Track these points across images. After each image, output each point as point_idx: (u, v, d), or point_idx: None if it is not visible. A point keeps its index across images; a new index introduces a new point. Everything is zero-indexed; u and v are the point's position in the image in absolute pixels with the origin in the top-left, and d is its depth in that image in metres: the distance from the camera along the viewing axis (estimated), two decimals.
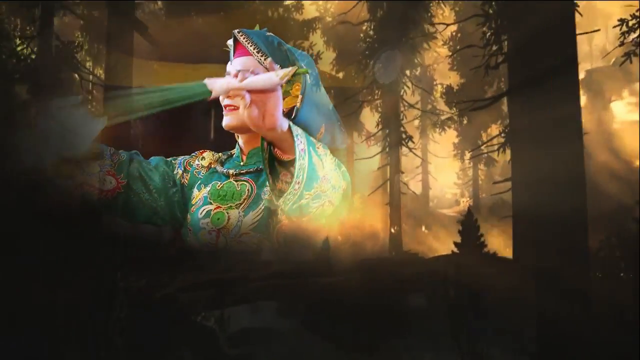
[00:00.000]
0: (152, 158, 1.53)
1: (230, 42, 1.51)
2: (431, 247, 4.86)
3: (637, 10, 3.71)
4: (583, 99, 4.86)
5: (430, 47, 5.27)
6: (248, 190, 1.45)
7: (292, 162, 1.15)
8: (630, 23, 3.74)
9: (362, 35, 5.20)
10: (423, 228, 5.85)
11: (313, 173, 1.17)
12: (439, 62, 6.29)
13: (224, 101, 1.40)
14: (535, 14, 3.21)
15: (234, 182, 1.48)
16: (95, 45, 5.37)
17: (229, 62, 1.51)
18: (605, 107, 6.64)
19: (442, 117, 5.60)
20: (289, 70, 1.09)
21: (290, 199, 1.20)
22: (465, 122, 5.40)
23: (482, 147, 4.96)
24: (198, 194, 1.51)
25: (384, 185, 4.86)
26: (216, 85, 1.16)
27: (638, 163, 5.13)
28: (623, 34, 3.76)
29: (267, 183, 1.28)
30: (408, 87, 5.01)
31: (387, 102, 5.00)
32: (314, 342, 2.05)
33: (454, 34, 5.44)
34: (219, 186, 1.50)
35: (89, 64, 5.58)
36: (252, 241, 1.39)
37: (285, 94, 1.37)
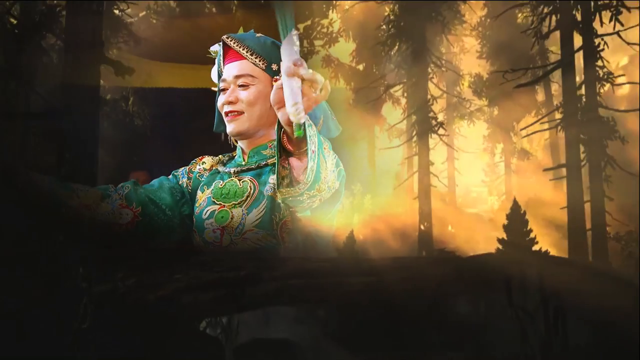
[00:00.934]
0: (152, 181, 1.56)
1: (214, 47, 1.54)
2: (459, 247, 4.50)
3: None
4: None
5: (461, 23, 4.88)
6: (250, 188, 1.45)
7: (293, 152, 1.18)
8: None
9: (386, 14, 4.83)
10: (450, 227, 5.48)
11: (318, 175, 1.19)
12: (465, 52, 5.92)
13: (225, 108, 1.43)
14: None
15: (236, 180, 1.49)
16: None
17: (215, 68, 1.54)
18: None
19: (471, 109, 5.22)
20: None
21: (289, 193, 1.22)
22: (495, 112, 5.02)
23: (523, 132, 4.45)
24: (202, 196, 1.52)
25: (408, 179, 4.53)
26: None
27: None
28: None
29: (273, 170, 1.32)
30: (438, 67, 4.61)
31: (413, 88, 4.64)
32: (340, 357, 1.69)
33: (483, 18, 5.07)
34: (221, 185, 1.50)
35: None
36: (256, 237, 1.40)
37: None
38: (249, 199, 1.44)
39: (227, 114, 1.43)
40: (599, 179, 3.70)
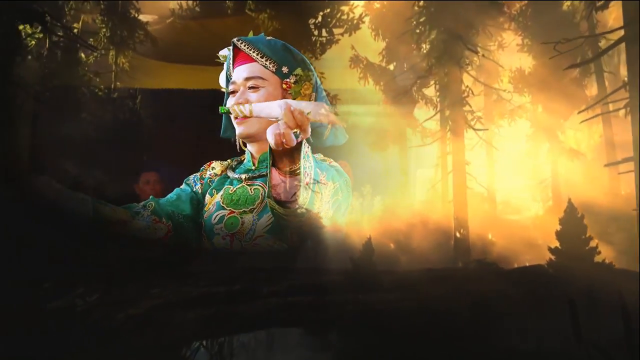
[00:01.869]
0: (168, 195, 1.58)
1: (223, 52, 1.57)
2: (502, 257, 4.06)
3: None
4: None
5: (500, 15, 4.50)
6: (262, 195, 1.45)
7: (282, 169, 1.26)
8: None
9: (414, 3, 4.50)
10: (490, 236, 5.04)
11: (311, 206, 1.26)
12: (504, 46, 5.50)
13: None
14: None
15: (247, 186, 1.50)
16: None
17: (223, 72, 1.56)
18: None
19: (511, 106, 4.81)
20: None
21: (274, 207, 1.27)
22: (540, 110, 4.60)
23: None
24: (211, 200, 1.53)
25: (441, 181, 4.17)
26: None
27: None
28: None
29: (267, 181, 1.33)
30: (472, 52, 4.22)
31: (446, 79, 4.29)
32: None
33: (523, 7, 4.68)
34: (231, 191, 1.52)
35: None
36: (267, 243, 1.40)
37: (296, 94, 1.47)
38: (259, 205, 1.44)
39: (236, 116, 1.44)
40: None
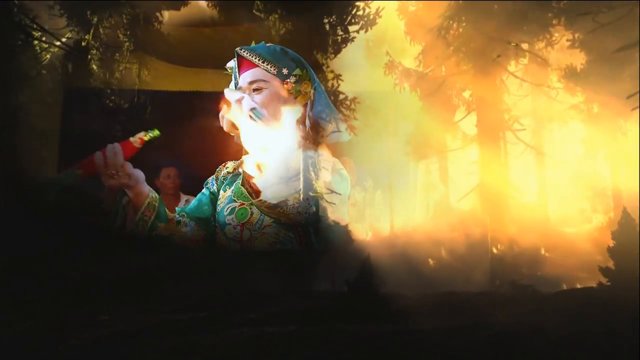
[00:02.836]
0: (190, 204, 1.70)
1: (230, 64, 1.71)
2: (548, 276, 3.58)
3: None
4: None
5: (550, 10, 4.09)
6: None
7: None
8: None
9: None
10: (543, 251, 4.57)
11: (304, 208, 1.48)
12: (553, 44, 5.05)
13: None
14: None
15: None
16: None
17: (232, 83, 1.69)
18: None
19: (562, 107, 4.36)
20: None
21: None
22: (595, 110, 4.14)
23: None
24: (224, 195, 1.67)
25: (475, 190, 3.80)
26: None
27: None
28: None
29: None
30: (519, 53, 3.83)
31: (479, 75, 3.95)
32: None
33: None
34: (241, 185, 1.65)
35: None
36: (274, 232, 1.52)
37: (297, 93, 1.62)
38: None
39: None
40: None
